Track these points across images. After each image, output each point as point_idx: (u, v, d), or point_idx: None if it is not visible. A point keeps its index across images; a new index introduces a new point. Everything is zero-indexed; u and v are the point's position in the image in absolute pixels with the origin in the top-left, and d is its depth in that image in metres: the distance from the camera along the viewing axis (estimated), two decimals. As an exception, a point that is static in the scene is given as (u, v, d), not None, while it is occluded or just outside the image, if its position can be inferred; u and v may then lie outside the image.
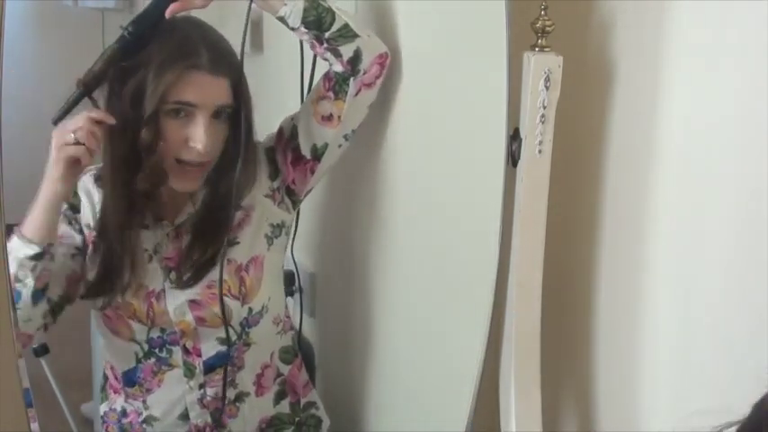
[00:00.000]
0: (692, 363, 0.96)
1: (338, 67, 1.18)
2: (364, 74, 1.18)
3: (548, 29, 1.02)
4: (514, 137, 1.05)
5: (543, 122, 1.02)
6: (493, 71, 1.06)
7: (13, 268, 1.07)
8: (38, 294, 1.10)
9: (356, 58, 1.17)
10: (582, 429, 1.16)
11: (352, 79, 1.18)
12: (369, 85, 1.20)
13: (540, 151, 1.03)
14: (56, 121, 1.11)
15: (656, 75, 0.97)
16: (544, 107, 1.02)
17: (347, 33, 1.16)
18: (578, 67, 1.06)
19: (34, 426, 0.90)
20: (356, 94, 1.19)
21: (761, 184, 0.83)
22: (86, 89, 1.11)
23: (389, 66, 1.21)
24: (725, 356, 0.91)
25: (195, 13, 1.22)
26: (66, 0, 2.30)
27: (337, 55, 1.16)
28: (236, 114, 1.17)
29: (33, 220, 1.11)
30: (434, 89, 1.21)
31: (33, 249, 1.09)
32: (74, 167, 1.11)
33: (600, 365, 1.12)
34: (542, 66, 1.01)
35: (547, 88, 1.02)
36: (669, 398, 1.00)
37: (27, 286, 1.09)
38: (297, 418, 1.37)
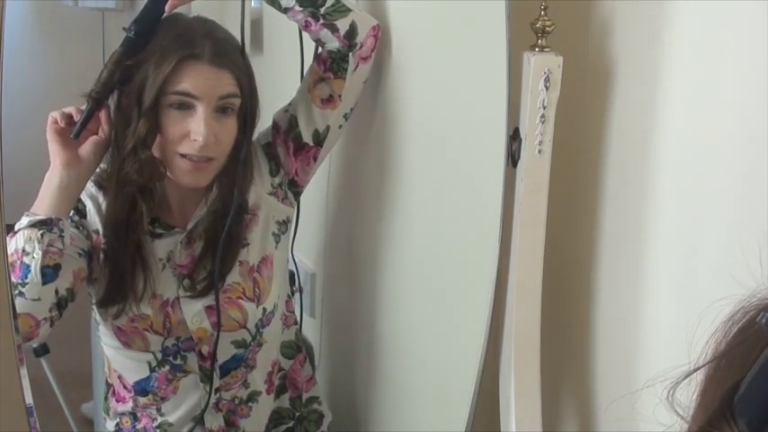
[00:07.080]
0: (693, 363, 0.96)
1: (335, 44, 1.20)
2: (360, 47, 1.20)
3: (548, 29, 1.02)
4: (514, 137, 1.05)
5: (543, 122, 1.02)
6: (493, 71, 1.05)
7: (20, 243, 1.05)
8: (47, 272, 1.06)
9: (352, 32, 1.18)
10: (582, 429, 1.16)
11: (350, 54, 1.20)
12: (365, 59, 1.22)
13: (540, 151, 1.03)
14: (75, 136, 1.11)
15: (655, 75, 0.97)
16: (544, 107, 1.02)
17: (341, 8, 1.18)
18: (578, 67, 1.06)
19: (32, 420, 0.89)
20: (355, 69, 1.21)
21: (761, 184, 0.83)
22: (97, 101, 1.11)
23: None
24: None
25: (195, 12, 1.22)
26: (66, 0, 2.31)
27: (334, 30, 1.18)
28: (245, 114, 1.17)
29: (41, 203, 1.09)
30: (434, 89, 1.21)
31: (39, 217, 1.07)
32: (66, 146, 1.10)
33: (600, 365, 1.12)
34: (542, 66, 1.01)
35: (547, 88, 1.02)
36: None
37: (35, 259, 1.05)
38: (297, 413, 1.37)
